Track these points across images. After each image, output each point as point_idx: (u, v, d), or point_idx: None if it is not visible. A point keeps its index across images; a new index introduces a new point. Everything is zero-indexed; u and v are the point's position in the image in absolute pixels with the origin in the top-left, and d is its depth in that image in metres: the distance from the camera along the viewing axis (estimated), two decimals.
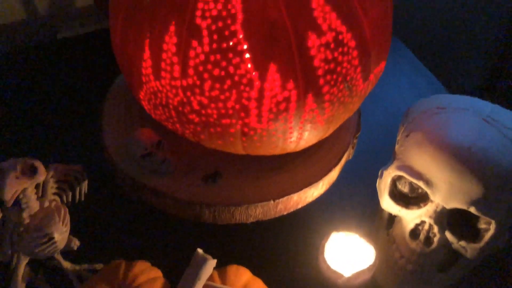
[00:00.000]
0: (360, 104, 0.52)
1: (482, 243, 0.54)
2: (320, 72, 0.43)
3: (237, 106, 0.43)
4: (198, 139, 0.49)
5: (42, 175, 0.49)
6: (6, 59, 0.87)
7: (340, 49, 0.43)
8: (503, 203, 0.52)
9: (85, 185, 0.57)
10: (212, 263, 0.49)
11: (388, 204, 0.60)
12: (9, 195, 0.46)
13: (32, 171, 0.49)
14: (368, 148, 0.72)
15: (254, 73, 0.42)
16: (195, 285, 0.49)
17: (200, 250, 0.49)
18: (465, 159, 0.52)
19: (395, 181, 0.59)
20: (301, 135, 0.48)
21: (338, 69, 0.43)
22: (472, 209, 0.52)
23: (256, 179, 0.56)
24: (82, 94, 0.79)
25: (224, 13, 0.40)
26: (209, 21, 0.41)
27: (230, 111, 0.44)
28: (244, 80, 0.42)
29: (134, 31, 0.45)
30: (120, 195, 0.64)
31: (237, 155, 0.54)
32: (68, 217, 0.53)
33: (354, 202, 0.66)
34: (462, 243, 0.55)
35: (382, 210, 0.62)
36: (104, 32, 0.92)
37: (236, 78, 0.42)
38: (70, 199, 0.56)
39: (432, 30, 1.36)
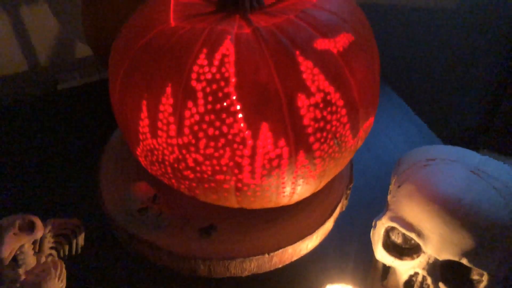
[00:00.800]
0: (351, 158, 0.54)
1: None
2: (310, 130, 0.44)
3: (231, 163, 0.45)
4: (193, 193, 0.51)
5: (40, 231, 0.50)
6: (7, 111, 0.89)
7: (328, 109, 0.45)
8: (495, 255, 0.53)
9: (81, 238, 0.57)
10: None
11: (381, 255, 0.60)
12: (7, 253, 0.47)
13: (30, 228, 0.49)
14: (361, 198, 0.73)
15: (247, 132, 0.43)
16: None
17: None
18: (454, 212, 0.53)
19: (388, 231, 0.60)
20: (294, 189, 0.49)
21: (328, 127, 0.45)
22: (464, 261, 0.53)
23: (251, 232, 0.56)
24: (81, 146, 0.81)
25: (218, 76, 0.43)
26: (204, 83, 0.43)
27: (224, 168, 0.45)
28: (238, 139, 0.44)
29: (132, 91, 0.47)
30: (117, 248, 0.64)
31: (231, 208, 0.55)
32: (64, 272, 0.54)
33: (348, 253, 0.67)
34: None
35: (376, 261, 0.62)
36: (104, 82, 0.95)
37: (230, 136, 0.43)
38: (66, 253, 0.56)
39: (423, 77, 1.40)
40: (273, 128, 0.44)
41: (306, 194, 0.52)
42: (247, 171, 0.45)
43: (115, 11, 0.78)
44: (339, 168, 0.52)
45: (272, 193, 0.48)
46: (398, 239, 0.60)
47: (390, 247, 0.60)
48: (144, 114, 0.46)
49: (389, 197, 0.62)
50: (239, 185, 0.47)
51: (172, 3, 0.50)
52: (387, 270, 0.63)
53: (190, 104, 0.43)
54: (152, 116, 0.46)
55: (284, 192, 0.49)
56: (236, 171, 0.45)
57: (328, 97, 0.44)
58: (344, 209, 0.64)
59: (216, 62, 0.43)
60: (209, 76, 0.43)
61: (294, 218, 0.58)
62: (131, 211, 0.56)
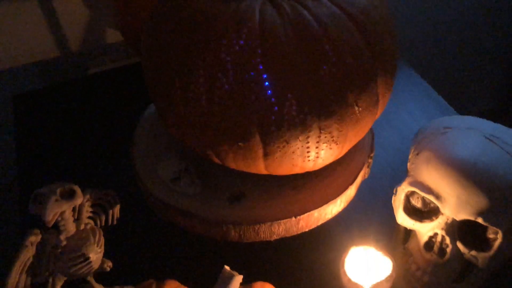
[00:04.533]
0: (370, 125, 0.57)
1: (491, 252, 0.58)
2: (333, 97, 0.48)
3: (259, 129, 0.48)
4: (222, 159, 0.54)
5: (79, 199, 0.54)
6: (42, 95, 0.94)
7: (347, 78, 0.48)
8: (508, 214, 0.56)
9: (117, 209, 0.61)
10: (238, 279, 0.53)
11: (403, 219, 0.64)
12: (50, 217, 0.51)
13: (70, 195, 0.54)
14: (383, 168, 0.76)
15: (273, 100, 0.47)
16: None
17: (227, 267, 0.53)
18: (470, 174, 0.56)
19: (408, 196, 0.63)
20: (318, 153, 0.52)
21: (347, 92, 0.48)
22: (480, 220, 0.56)
23: (278, 198, 0.60)
24: (114, 125, 0.86)
25: (246, 48, 0.46)
26: (232, 55, 0.46)
27: (252, 133, 0.49)
28: (265, 106, 0.47)
29: (164, 67, 0.51)
30: (152, 218, 0.68)
31: (259, 175, 0.59)
32: (102, 239, 0.58)
33: (371, 219, 0.70)
34: (473, 252, 0.58)
35: (398, 225, 0.66)
36: (132, 67, 0.99)
37: (258, 103, 0.47)
38: (103, 223, 0.60)
39: (441, 54, 1.40)
40: (298, 96, 0.47)
41: (330, 159, 0.55)
42: (275, 136, 0.49)
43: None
44: (362, 132, 0.55)
45: (298, 156, 0.52)
46: (418, 204, 0.63)
47: (411, 211, 0.63)
48: (176, 85, 0.50)
49: (408, 164, 0.65)
50: (267, 150, 0.50)
51: None
52: (408, 233, 0.66)
53: (220, 75, 0.47)
54: (184, 87, 0.49)
55: (309, 156, 0.52)
56: (263, 136, 0.49)
57: (347, 66, 0.48)
58: (366, 177, 0.67)
59: (243, 36, 0.46)
60: (237, 48, 0.46)
61: (318, 185, 0.61)
62: (165, 181, 0.60)
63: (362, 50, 0.48)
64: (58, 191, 0.53)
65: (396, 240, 0.66)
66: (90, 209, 0.59)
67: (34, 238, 0.53)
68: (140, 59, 0.61)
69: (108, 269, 0.59)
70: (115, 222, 0.61)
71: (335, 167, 0.62)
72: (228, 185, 0.61)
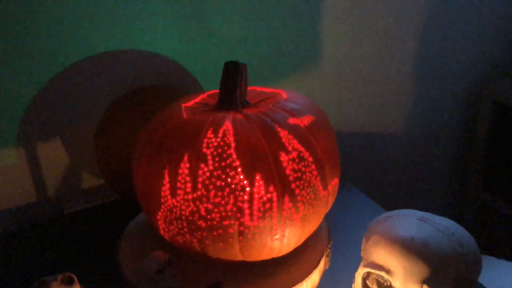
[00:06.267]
0: (327, 210, 0.69)
1: None
2: (291, 178, 0.61)
3: (234, 208, 0.59)
4: (203, 245, 0.63)
5: (77, 285, 0.60)
6: (19, 234, 0.99)
7: (302, 163, 0.62)
8: (448, 280, 0.66)
9: None
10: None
11: None
12: None
13: (69, 282, 0.60)
14: (344, 261, 0.85)
15: (245, 182, 0.59)
16: None
17: None
18: (410, 247, 0.67)
19: (365, 279, 0.72)
20: (283, 232, 0.63)
21: (304, 176, 0.62)
22: (425, 287, 0.65)
23: (252, 284, 0.67)
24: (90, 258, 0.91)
25: (222, 143, 0.60)
26: (212, 149, 0.60)
27: (230, 213, 0.60)
28: (239, 187, 0.59)
29: (156, 166, 0.63)
30: None
31: (234, 266, 0.67)
32: None
33: None
34: None
35: None
36: (108, 205, 1.08)
37: (233, 186, 0.59)
38: None
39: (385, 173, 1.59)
40: (264, 178, 0.60)
41: (294, 239, 0.65)
42: (247, 214, 0.60)
43: (124, 142, 0.95)
44: (318, 216, 0.66)
45: (267, 235, 0.62)
46: (373, 285, 0.72)
47: None
48: (166, 180, 0.62)
49: (362, 252, 0.76)
50: (242, 228, 0.60)
51: (182, 108, 0.69)
52: None
53: (202, 165, 0.60)
54: (173, 179, 0.61)
55: (276, 235, 0.62)
56: (238, 215, 0.60)
57: (301, 154, 0.62)
58: (327, 267, 0.76)
59: (220, 134, 0.61)
60: (215, 144, 0.60)
61: (286, 270, 0.70)
62: (149, 274, 0.67)
63: (310, 143, 0.64)
64: (59, 277, 0.59)
65: None
66: None
67: None
68: (131, 170, 0.70)
69: None
70: None
71: (299, 256, 0.72)
72: (206, 277, 0.68)
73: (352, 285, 0.73)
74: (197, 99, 0.73)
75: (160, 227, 0.66)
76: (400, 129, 1.54)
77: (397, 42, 1.40)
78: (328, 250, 0.76)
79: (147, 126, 0.69)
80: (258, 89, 0.76)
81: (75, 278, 0.60)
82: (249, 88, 0.75)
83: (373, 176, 1.56)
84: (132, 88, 1.07)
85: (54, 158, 1.08)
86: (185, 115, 0.66)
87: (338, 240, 0.90)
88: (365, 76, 1.40)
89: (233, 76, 0.67)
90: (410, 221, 0.73)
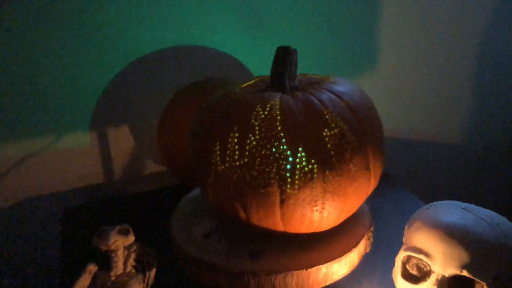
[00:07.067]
0: (368, 192, 0.72)
1: None
2: (332, 153, 0.64)
3: (277, 176, 0.64)
4: (247, 212, 0.68)
5: (132, 237, 0.67)
6: (88, 208, 1.09)
7: (344, 140, 0.65)
8: (489, 268, 0.65)
9: (153, 273, 0.72)
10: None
11: (402, 286, 0.72)
12: (112, 241, 0.63)
13: (126, 233, 0.66)
14: (386, 249, 0.86)
15: (288, 152, 0.63)
16: None
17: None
18: (451, 232, 0.68)
19: (404, 264, 0.73)
20: (323, 204, 0.66)
21: (345, 153, 0.65)
22: (465, 272, 0.66)
23: (291, 256, 0.71)
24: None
25: (268, 116, 0.65)
26: (259, 121, 0.65)
27: (272, 181, 0.64)
28: (282, 157, 0.63)
29: (209, 136, 0.69)
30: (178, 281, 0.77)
31: (275, 236, 0.71)
32: (142, 284, 0.68)
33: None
34: None
35: None
36: (168, 188, 1.16)
37: (277, 155, 0.64)
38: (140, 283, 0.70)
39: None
40: (306, 150, 0.64)
41: (334, 214, 0.68)
42: (289, 182, 0.64)
43: (184, 130, 1.02)
44: (358, 195, 0.69)
45: (306, 205, 0.65)
46: (413, 270, 0.73)
47: (408, 277, 0.72)
48: (217, 148, 0.67)
49: (403, 238, 0.77)
50: (283, 196, 0.65)
51: (236, 88, 0.75)
52: None
53: (250, 135, 0.65)
54: (223, 148, 0.67)
55: (316, 206, 0.66)
56: (280, 183, 0.64)
57: (343, 132, 0.66)
58: (368, 250, 0.78)
59: (267, 108, 0.66)
60: (262, 116, 0.65)
61: (325, 247, 0.73)
62: (197, 238, 0.72)
63: (353, 123, 0.67)
64: (116, 227, 0.66)
65: None
66: (133, 263, 0.70)
67: (93, 267, 0.65)
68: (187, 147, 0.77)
69: None
70: (149, 286, 0.71)
71: (339, 235, 0.75)
72: (249, 244, 0.73)
73: (393, 270, 0.75)
74: (251, 82, 0.79)
75: (210, 194, 0.71)
76: (458, 136, 1.51)
77: (459, 46, 1.39)
78: (369, 234, 0.77)
79: (204, 103, 0.76)
80: (309, 75, 0.81)
81: (131, 230, 0.67)
82: (299, 75, 0.80)
83: (427, 182, 1.54)
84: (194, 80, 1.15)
85: (121, 144, 1.18)
86: (238, 94, 0.72)
87: (382, 230, 0.91)
88: (424, 79, 1.40)
89: (283, 59, 0.72)
90: (453, 209, 0.73)
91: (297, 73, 0.77)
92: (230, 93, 0.73)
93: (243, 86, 0.77)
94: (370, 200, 0.82)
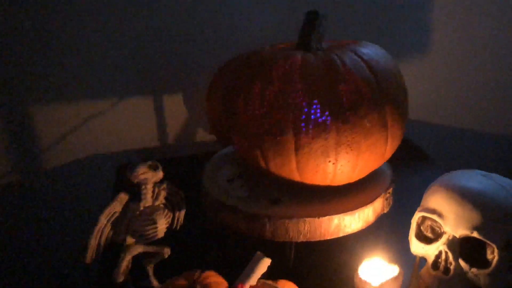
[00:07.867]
0: (385, 152, 0.74)
1: (490, 269, 0.66)
2: (346, 106, 0.68)
3: (292, 126, 0.69)
4: (266, 160, 0.73)
5: (161, 173, 0.74)
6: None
7: (360, 95, 0.69)
8: (500, 231, 0.65)
9: (182, 214, 0.79)
10: (267, 262, 0.66)
11: (415, 246, 0.74)
12: (141, 172, 0.71)
13: (155, 169, 0.74)
14: (403, 212, 0.87)
15: (304, 103, 0.68)
16: (251, 276, 0.65)
17: (259, 252, 0.67)
18: (465, 194, 0.69)
19: (419, 225, 0.75)
20: (336, 156, 0.70)
21: (360, 108, 0.68)
22: (475, 234, 0.66)
23: (306, 205, 0.75)
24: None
25: (288, 70, 0.70)
26: (280, 74, 0.70)
27: (288, 129, 0.69)
28: (298, 107, 0.68)
29: (234, 88, 0.75)
30: (202, 222, 0.83)
31: (292, 185, 0.76)
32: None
33: (386, 245, 0.80)
34: (474, 270, 0.67)
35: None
36: (211, 154, 1.25)
37: (293, 106, 0.68)
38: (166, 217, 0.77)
39: None
40: (321, 102, 0.68)
41: (347, 167, 0.72)
42: (303, 132, 0.68)
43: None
44: (373, 152, 0.72)
45: (320, 155, 0.70)
46: (427, 232, 0.74)
47: (421, 238, 0.74)
48: (241, 98, 0.73)
49: (421, 202, 0.78)
50: (298, 144, 0.69)
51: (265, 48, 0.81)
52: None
53: (270, 86, 0.70)
54: (246, 99, 0.72)
55: (329, 157, 0.70)
56: (296, 131, 0.69)
57: (360, 89, 0.69)
58: (386, 211, 0.80)
59: (288, 64, 0.71)
60: (282, 70, 0.70)
61: (339, 200, 0.76)
62: (222, 182, 0.79)
63: (371, 81, 0.70)
64: (146, 163, 0.74)
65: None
66: (163, 201, 0.76)
67: (124, 196, 0.73)
68: (212, 106, 0.84)
69: (166, 255, 0.74)
70: (178, 227, 0.78)
71: (355, 192, 0.78)
72: (268, 192, 0.78)
73: (409, 232, 0.76)
74: (282, 45, 0.84)
75: (235, 142, 0.77)
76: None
77: None
78: (388, 195, 0.80)
79: (233, 60, 0.82)
80: (343, 41, 0.84)
81: (160, 166, 0.74)
82: (334, 41, 0.84)
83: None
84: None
85: (175, 112, 1.28)
86: (264, 51, 0.78)
87: (405, 196, 0.91)
88: (476, 69, 1.36)
89: (311, 22, 0.77)
90: (473, 175, 0.73)
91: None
92: (258, 52, 0.78)
93: (271, 48, 0.83)
94: (400, 170, 0.83)
